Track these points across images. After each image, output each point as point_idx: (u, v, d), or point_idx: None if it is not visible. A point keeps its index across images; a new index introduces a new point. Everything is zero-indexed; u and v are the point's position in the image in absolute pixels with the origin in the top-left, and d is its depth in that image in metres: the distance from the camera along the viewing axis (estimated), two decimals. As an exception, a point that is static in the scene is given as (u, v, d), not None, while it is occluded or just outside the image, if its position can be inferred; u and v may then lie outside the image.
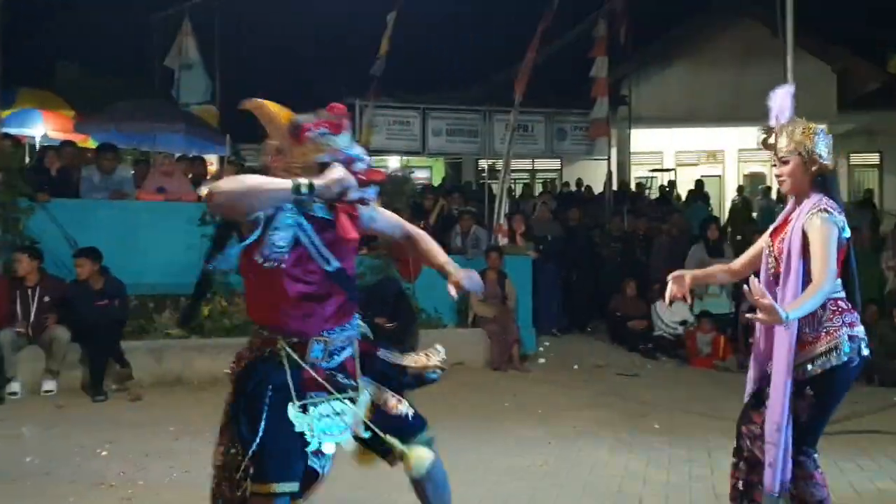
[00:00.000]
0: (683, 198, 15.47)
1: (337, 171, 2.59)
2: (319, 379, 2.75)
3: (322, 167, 2.63)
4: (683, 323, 9.40)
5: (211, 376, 7.36)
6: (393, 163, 16.81)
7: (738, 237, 11.97)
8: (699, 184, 16.02)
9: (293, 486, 2.66)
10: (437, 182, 17.31)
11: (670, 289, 3.45)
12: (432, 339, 8.43)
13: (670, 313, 9.43)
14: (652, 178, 17.59)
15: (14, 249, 7.25)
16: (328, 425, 2.74)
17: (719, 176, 19.79)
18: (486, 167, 15.51)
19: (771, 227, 3.31)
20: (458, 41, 19.07)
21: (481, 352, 8.45)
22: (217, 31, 12.83)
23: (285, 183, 2.52)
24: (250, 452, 2.62)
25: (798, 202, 3.18)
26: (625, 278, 9.97)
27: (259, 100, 2.78)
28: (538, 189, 17.05)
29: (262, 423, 2.64)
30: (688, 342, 9.18)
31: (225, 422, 2.81)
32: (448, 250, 9.34)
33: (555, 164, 18.93)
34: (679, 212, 12.94)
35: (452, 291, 3.11)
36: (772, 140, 3.18)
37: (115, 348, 6.92)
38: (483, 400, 6.94)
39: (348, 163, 2.66)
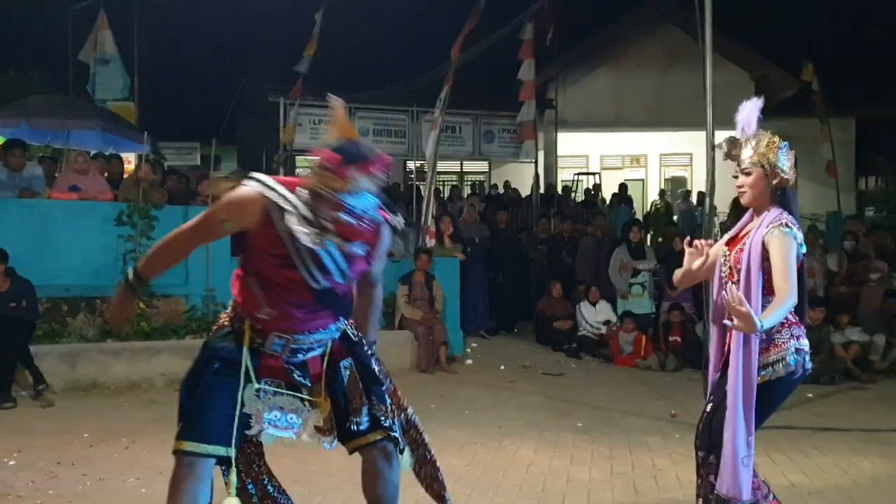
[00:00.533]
0: (608, 201, 15.79)
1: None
2: (275, 369, 2.83)
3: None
4: (607, 323, 9.60)
5: (128, 381, 7.15)
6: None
7: (660, 240, 12.32)
8: (623, 187, 16.38)
9: (219, 450, 2.71)
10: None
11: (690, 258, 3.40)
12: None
13: (594, 313, 9.62)
14: (577, 181, 17.89)
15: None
16: (277, 418, 2.81)
17: (642, 180, 20.28)
18: (413, 168, 15.51)
19: (726, 236, 3.34)
20: (386, 40, 19.01)
21: (408, 354, 8.42)
22: (135, 24, 12.42)
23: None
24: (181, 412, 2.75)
25: (757, 213, 3.22)
26: (551, 279, 10.11)
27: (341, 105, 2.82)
28: (466, 191, 17.13)
29: (199, 385, 2.74)
30: (611, 341, 9.37)
31: None
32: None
33: (483, 166, 19.06)
34: (603, 214, 13.22)
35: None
36: (735, 151, 3.22)
37: (23, 353, 6.62)
38: (412, 402, 6.89)
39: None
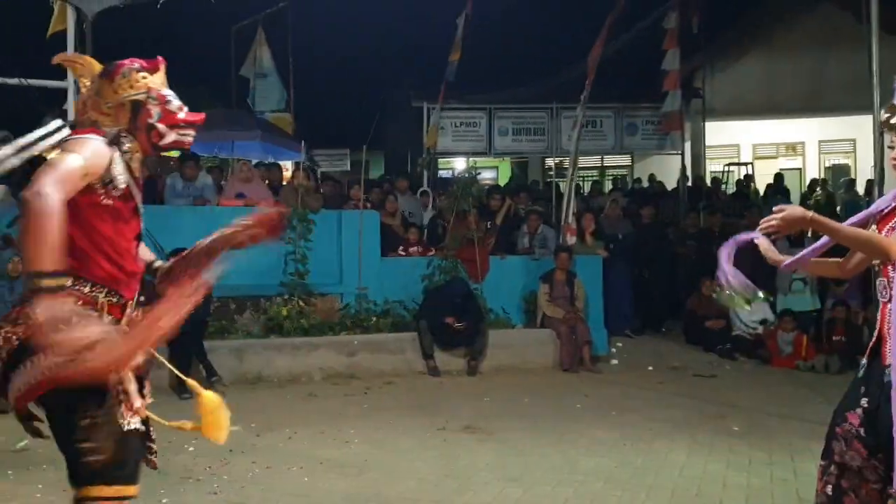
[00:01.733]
0: (762, 192, 15.05)
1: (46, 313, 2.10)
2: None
3: (134, 106, 2.51)
4: (763, 322, 9.18)
5: (290, 374, 7.63)
6: (459, 164, 16.89)
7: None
8: (778, 177, 15.55)
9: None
10: (503, 182, 17.33)
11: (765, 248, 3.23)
12: (501, 339, 8.63)
13: (749, 312, 9.20)
14: (728, 172, 17.16)
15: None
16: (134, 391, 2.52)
17: (799, 169, 19.16)
18: (553, 165, 15.42)
19: (878, 215, 3.11)
20: (524, 38, 19.01)
21: (551, 353, 8.45)
22: (290, 40, 13.15)
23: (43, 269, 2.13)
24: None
25: None
26: (701, 276, 9.78)
27: (74, 53, 2.78)
28: (608, 186, 16.86)
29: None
30: (768, 342, 8.96)
31: None
32: (515, 251, 9.45)
33: (625, 160, 18.67)
34: (757, 207, 12.61)
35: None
36: (894, 120, 3.01)
37: (198, 348, 7.21)
38: (555, 401, 6.95)
39: (161, 101, 2.54)
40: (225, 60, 14.17)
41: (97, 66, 2.62)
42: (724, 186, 15.75)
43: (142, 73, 2.55)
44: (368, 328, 8.27)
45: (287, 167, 12.51)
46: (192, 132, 2.62)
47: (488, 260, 9.02)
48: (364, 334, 8.16)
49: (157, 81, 2.57)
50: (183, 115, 2.58)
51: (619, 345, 9.30)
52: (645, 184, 15.80)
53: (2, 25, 9.87)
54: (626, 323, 9.93)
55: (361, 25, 16.60)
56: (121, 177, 2.44)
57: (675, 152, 13.70)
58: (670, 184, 14.92)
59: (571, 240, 9.30)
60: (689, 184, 14.17)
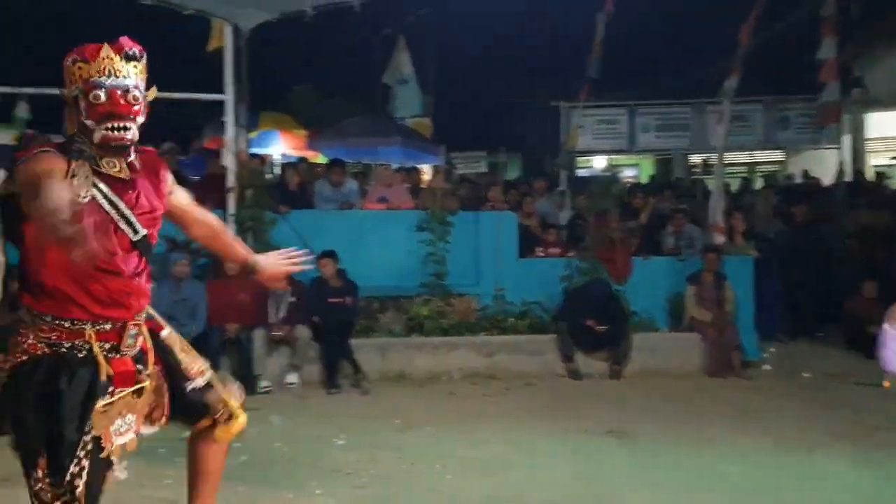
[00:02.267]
0: (932, 187, 13.84)
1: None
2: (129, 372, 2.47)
3: (75, 103, 2.33)
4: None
5: (430, 373, 7.78)
6: (598, 163, 16.64)
7: None
8: (951, 171, 14.29)
9: None
10: (644, 180, 16.90)
11: None
12: (645, 342, 8.42)
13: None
14: (894, 166, 15.92)
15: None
16: (120, 426, 2.44)
17: (978, 161, 17.47)
18: (698, 162, 14.92)
19: None
20: (666, 32, 18.46)
21: (696, 357, 8.15)
22: (430, 46, 13.46)
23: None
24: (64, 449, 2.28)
25: None
26: (863, 278, 9.13)
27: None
28: (758, 183, 16.07)
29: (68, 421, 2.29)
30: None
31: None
32: (660, 251, 9.19)
33: (776, 155, 17.75)
34: (928, 203, 11.62)
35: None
36: None
37: (346, 346, 7.50)
38: (702, 407, 6.71)
39: (88, 91, 2.30)
40: (369, 69, 14.71)
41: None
42: (888, 181, 14.63)
43: (77, 65, 2.30)
44: (506, 329, 8.29)
45: (425, 171, 12.80)
46: (125, 123, 2.30)
47: (630, 261, 8.82)
48: (502, 335, 8.19)
49: (93, 70, 2.29)
50: (105, 104, 2.28)
51: (772, 350, 8.83)
52: (798, 180, 14.96)
53: (166, 42, 10.67)
54: (779, 327, 9.42)
55: (499, 28, 16.70)
56: (81, 191, 2.24)
57: (832, 146, 12.87)
58: (827, 180, 14.03)
59: (720, 239, 8.94)
60: (848, 179, 13.26)
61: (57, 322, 2.33)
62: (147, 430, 2.61)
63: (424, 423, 6.03)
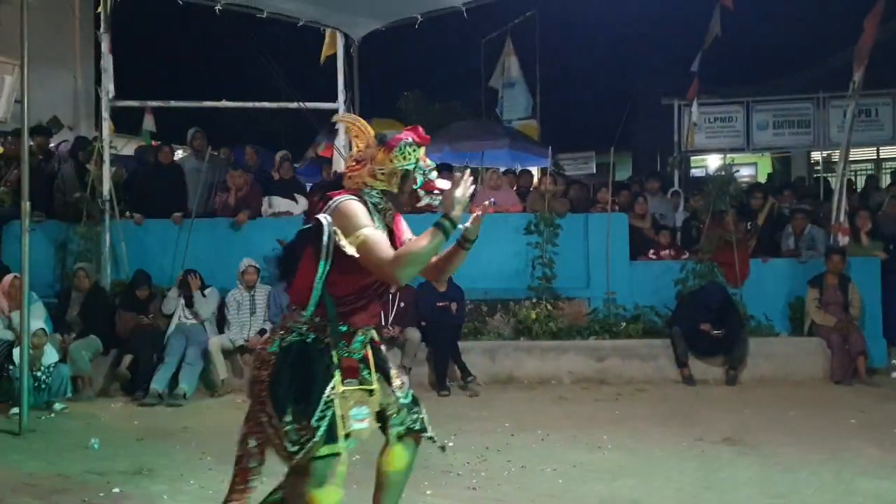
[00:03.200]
0: None
1: (456, 191, 2.88)
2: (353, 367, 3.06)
3: (405, 174, 3.00)
4: None
5: (539, 376, 7.78)
6: (713, 162, 16.11)
7: None
8: None
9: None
10: (762, 179, 16.24)
11: None
12: (763, 347, 8.13)
13: None
14: None
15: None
16: (356, 413, 3.03)
17: None
18: (819, 160, 14.22)
19: None
20: (784, 25, 17.72)
21: (819, 363, 7.81)
22: (537, 47, 13.42)
23: (437, 235, 2.84)
24: (315, 422, 2.90)
25: None
26: None
27: (352, 115, 3.18)
28: (885, 181, 15.16)
29: (324, 394, 2.93)
30: None
31: (254, 405, 3.04)
32: (779, 253, 8.83)
33: (905, 151, 16.69)
34: None
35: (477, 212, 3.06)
36: None
37: (453, 348, 7.59)
38: (825, 416, 6.41)
39: (425, 170, 3.02)
40: (475, 73, 14.80)
41: (371, 131, 3.09)
42: None
43: (413, 147, 3.01)
44: (618, 333, 8.19)
45: (535, 172, 12.77)
46: (440, 197, 3.02)
47: (748, 263, 8.53)
48: (613, 339, 8.09)
49: (422, 153, 3.03)
50: (438, 182, 3.04)
51: (901, 357, 8.35)
52: (930, 176, 14.02)
53: (280, 54, 11.13)
54: (909, 333, 8.89)
55: (608, 26, 16.50)
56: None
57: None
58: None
59: (844, 240, 8.51)
60: None
61: (315, 319, 3.01)
62: (369, 425, 3.12)
63: (535, 427, 6.04)
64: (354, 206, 2.94)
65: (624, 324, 8.28)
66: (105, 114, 8.62)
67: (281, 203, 9.03)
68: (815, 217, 9.42)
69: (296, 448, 2.89)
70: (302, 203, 9.13)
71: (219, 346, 7.52)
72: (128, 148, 12.29)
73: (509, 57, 13.60)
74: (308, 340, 3.01)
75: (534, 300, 8.40)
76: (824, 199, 10.31)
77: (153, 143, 10.82)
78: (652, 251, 8.83)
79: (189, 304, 7.70)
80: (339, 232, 2.89)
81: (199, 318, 7.72)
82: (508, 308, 8.49)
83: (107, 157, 8.52)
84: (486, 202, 3.08)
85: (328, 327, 3.01)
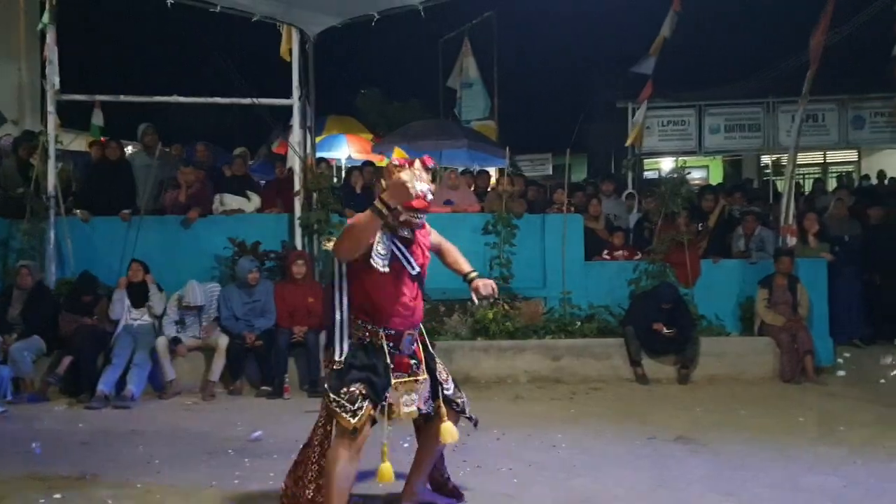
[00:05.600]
0: None
1: (392, 187, 3.43)
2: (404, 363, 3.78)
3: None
4: None
5: (496, 376, 7.78)
6: (666, 165, 16.38)
7: None
8: None
9: None
10: (714, 182, 16.54)
11: None
12: (714, 347, 8.26)
13: None
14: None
15: (331, 260, 8.22)
16: (407, 400, 3.72)
17: None
18: (769, 163, 14.54)
19: None
20: (735, 31, 18.09)
21: (769, 362, 7.95)
22: (495, 48, 13.45)
23: (368, 215, 3.42)
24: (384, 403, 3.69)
25: None
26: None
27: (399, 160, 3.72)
28: (832, 184, 15.59)
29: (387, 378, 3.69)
30: None
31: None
32: (730, 254, 8.98)
33: (851, 155, 17.18)
34: None
35: (474, 297, 4.06)
36: None
37: (410, 349, 7.54)
38: (774, 414, 6.53)
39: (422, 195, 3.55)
40: (434, 73, 14.78)
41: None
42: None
43: (398, 169, 3.54)
44: (573, 333, 8.24)
45: (492, 173, 12.80)
46: (420, 216, 3.70)
47: (700, 264, 8.65)
48: (569, 339, 8.13)
49: (405, 176, 3.45)
50: (414, 201, 3.53)
51: (847, 355, 8.54)
52: (874, 181, 14.45)
53: (234, 49, 10.95)
54: (855, 332, 9.09)
55: (565, 30, 16.64)
56: (382, 249, 3.61)
57: (909, 146, 12.39)
58: (904, 180, 13.52)
59: (792, 241, 8.69)
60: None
61: (363, 325, 3.75)
62: (428, 406, 3.86)
63: (491, 426, 6.01)
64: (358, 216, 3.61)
65: (579, 323, 8.34)
66: (51, 108, 8.38)
67: (233, 200, 8.89)
68: (764, 219, 9.61)
69: (356, 407, 3.58)
70: (255, 200, 8.99)
71: (166, 345, 7.35)
72: (76, 143, 11.98)
73: (467, 57, 13.62)
74: (365, 343, 3.72)
75: (491, 300, 8.38)
76: (774, 202, 10.51)
77: (102, 138, 10.54)
78: (606, 252, 8.91)
79: (136, 304, 7.52)
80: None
81: (153, 312, 7.56)
82: (466, 308, 8.46)
83: (52, 153, 8.28)
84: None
85: (380, 332, 3.71)
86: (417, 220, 3.72)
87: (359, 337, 3.73)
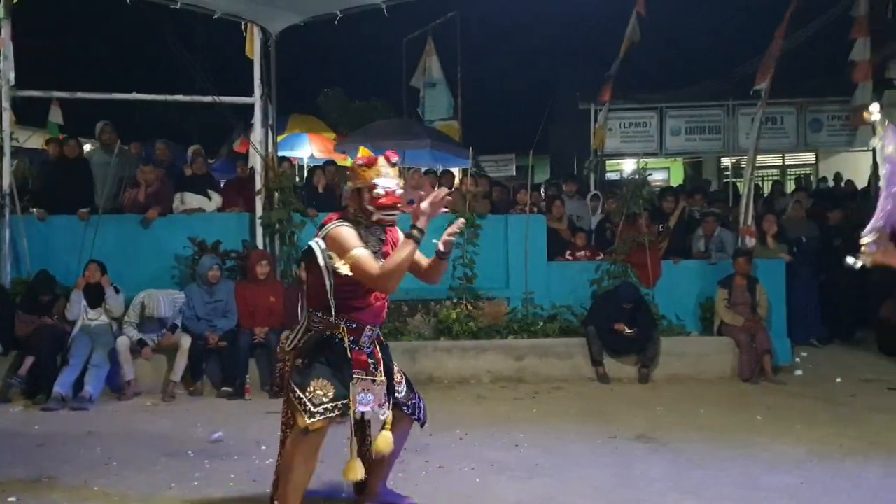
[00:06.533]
0: (969, 190, 13.54)
1: (420, 215, 3.53)
2: (362, 360, 3.71)
3: (358, 192, 3.68)
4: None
5: (459, 376, 7.78)
6: (628, 166, 16.55)
7: None
8: None
9: None
10: (675, 183, 16.75)
11: None
12: (675, 346, 8.35)
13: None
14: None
15: (293, 261, 8.17)
16: (363, 398, 3.65)
17: None
18: (729, 165, 14.76)
19: None
20: (697, 34, 18.35)
21: (728, 362, 8.06)
22: (458, 48, 13.46)
23: (408, 245, 3.51)
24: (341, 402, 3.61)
25: None
26: (896, 283, 8.98)
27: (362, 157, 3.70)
28: (790, 186, 15.88)
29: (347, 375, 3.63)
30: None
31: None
32: (690, 255, 9.10)
33: (809, 157, 17.52)
34: (964, 206, 11.37)
35: (442, 246, 3.81)
36: None
37: (374, 349, 7.51)
38: (733, 413, 6.63)
39: (371, 189, 3.61)
40: (397, 72, 14.74)
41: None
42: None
43: (362, 168, 3.61)
44: (536, 333, 8.28)
45: (456, 173, 12.82)
46: (393, 212, 3.65)
47: (660, 264, 8.75)
48: (531, 339, 8.17)
49: (371, 174, 3.59)
50: (383, 199, 3.58)
51: (804, 355, 8.72)
52: (831, 183, 14.76)
53: (195, 47, 10.81)
54: (812, 332, 9.31)
55: (528, 31, 16.72)
56: (374, 249, 3.58)
57: (865, 149, 12.66)
58: (860, 182, 13.83)
59: (751, 243, 8.83)
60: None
61: (323, 317, 3.66)
62: (383, 412, 3.75)
63: (453, 427, 6.03)
64: (342, 231, 3.56)
65: (542, 323, 8.38)
66: (5, 104, 8.17)
67: (193, 199, 8.77)
68: (724, 220, 9.75)
69: (315, 410, 3.50)
70: (216, 199, 8.88)
71: (127, 345, 7.22)
72: (32, 140, 11.72)
73: (430, 57, 13.61)
74: (325, 336, 3.65)
75: (454, 300, 8.40)
76: (733, 204, 10.67)
77: (60, 135, 10.33)
78: (568, 252, 8.97)
79: (93, 304, 7.38)
80: (333, 256, 3.49)
81: (112, 315, 7.42)
82: (429, 308, 8.46)
83: (7, 150, 8.09)
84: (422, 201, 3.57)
85: (340, 325, 3.62)
86: (390, 217, 3.67)
87: (318, 330, 3.67)
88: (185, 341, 7.27)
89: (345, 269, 3.41)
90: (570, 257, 8.94)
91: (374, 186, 3.60)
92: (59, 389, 6.74)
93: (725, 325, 8.22)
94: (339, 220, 3.65)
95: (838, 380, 7.90)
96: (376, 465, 4.05)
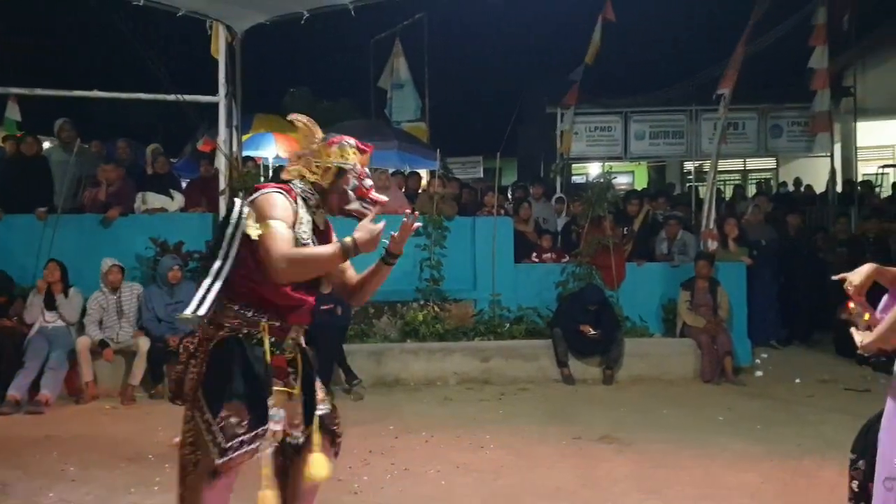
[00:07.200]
0: (921, 195, 13.92)
1: (366, 230, 2.86)
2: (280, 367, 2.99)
3: (339, 172, 3.01)
4: None
5: (426, 378, 7.77)
6: (593, 169, 16.71)
7: None
8: (939, 179, 14.37)
9: None
10: (639, 187, 16.94)
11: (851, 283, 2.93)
12: (638, 348, 8.42)
13: None
14: (882, 174, 16.02)
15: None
16: (273, 414, 2.90)
17: (964, 170, 17.58)
18: (692, 169, 14.98)
19: None
20: (661, 40, 18.58)
21: (690, 363, 8.16)
22: (426, 51, 13.46)
23: (335, 250, 2.85)
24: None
25: None
26: (853, 285, 9.15)
27: (305, 116, 3.10)
28: (751, 190, 16.17)
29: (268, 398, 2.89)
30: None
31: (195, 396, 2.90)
32: (653, 257, 9.20)
33: (769, 163, 17.86)
34: (916, 211, 11.69)
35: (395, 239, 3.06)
36: None
37: (338, 352, 7.46)
38: (695, 413, 6.71)
39: (361, 176, 3.04)
40: (364, 73, 14.68)
41: (319, 133, 3.08)
42: (878, 189, 14.73)
43: (353, 150, 3.07)
44: (502, 334, 8.30)
45: (422, 175, 12.80)
46: (372, 208, 3.03)
47: (624, 267, 8.84)
48: (498, 340, 8.19)
49: (364, 159, 3.09)
50: (372, 193, 3.07)
51: (764, 356, 8.86)
52: (790, 188, 15.06)
53: (158, 45, 10.65)
54: (772, 333, 9.46)
55: (496, 34, 16.78)
56: (305, 234, 2.93)
57: (823, 154, 12.96)
58: (818, 187, 14.14)
59: (713, 246, 8.95)
60: (839, 188, 13.34)
61: (240, 311, 2.94)
62: (295, 433, 3.01)
63: (419, 429, 6.02)
64: (275, 198, 2.92)
65: (508, 325, 8.41)
66: (-39, 100, 7.99)
67: (155, 199, 8.63)
68: (686, 223, 9.88)
69: (228, 445, 2.77)
70: (178, 199, 8.76)
71: (87, 346, 7.08)
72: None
73: (398, 58, 13.58)
74: (240, 335, 2.92)
75: (421, 302, 8.40)
76: (696, 207, 10.82)
77: (18, 133, 10.09)
78: (535, 254, 9.02)
79: (50, 306, 7.22)
80: (251, 216, 2.87)
81: (66, 320, 7.26)
82: (396, 310, 8.44)
83: (-38, 147, 7.89)
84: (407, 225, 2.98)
85: (260, 322, 2.93)
86: (366, 209, 3.06)
87: (232, 328, 2.93)
88: (144, 344, 7.14)
89: (254, 232, 2.81)
90: (536, 259, 8.98)
91: (364, 174, 3.07)
92: (13, 392, 6.58)
93: (688, 326, 8.32)
94: (276, 188, 2.99)
95: (797, 381, 8.04)
96: (298, 498, 3.14)
